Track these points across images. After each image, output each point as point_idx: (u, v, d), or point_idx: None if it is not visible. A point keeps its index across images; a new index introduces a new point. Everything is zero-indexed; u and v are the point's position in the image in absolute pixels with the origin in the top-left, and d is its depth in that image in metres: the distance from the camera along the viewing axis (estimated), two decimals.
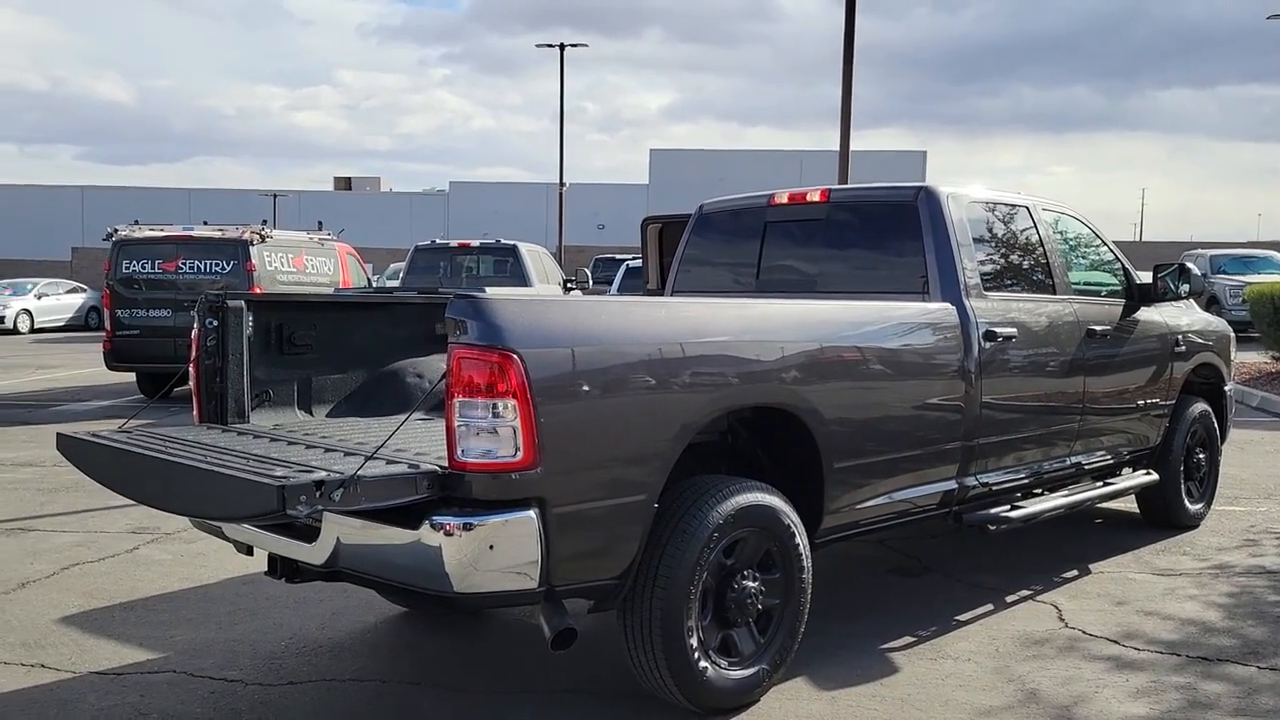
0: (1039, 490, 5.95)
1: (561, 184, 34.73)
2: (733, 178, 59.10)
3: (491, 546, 3.46)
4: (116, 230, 14.80)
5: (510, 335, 3.47)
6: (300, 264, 15.75)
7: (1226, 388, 7.50)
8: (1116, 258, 6.62)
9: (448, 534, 3.43)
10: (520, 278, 14.96)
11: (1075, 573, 6.14)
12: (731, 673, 4.14)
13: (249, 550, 4.32)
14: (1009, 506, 5.55)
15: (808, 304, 4.77)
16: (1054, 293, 5.93)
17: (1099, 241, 6.59)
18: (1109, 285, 6.54)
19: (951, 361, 5.10)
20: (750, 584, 4.18)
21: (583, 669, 4.61)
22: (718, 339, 4.14)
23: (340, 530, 3.67)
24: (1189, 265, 6.40)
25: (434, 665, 4.81)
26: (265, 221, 15.49)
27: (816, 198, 5.82)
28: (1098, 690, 4.38)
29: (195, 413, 4.71)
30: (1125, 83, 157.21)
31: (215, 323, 4.67)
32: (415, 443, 4.04)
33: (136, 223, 15.04)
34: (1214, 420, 7.33)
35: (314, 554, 3.80)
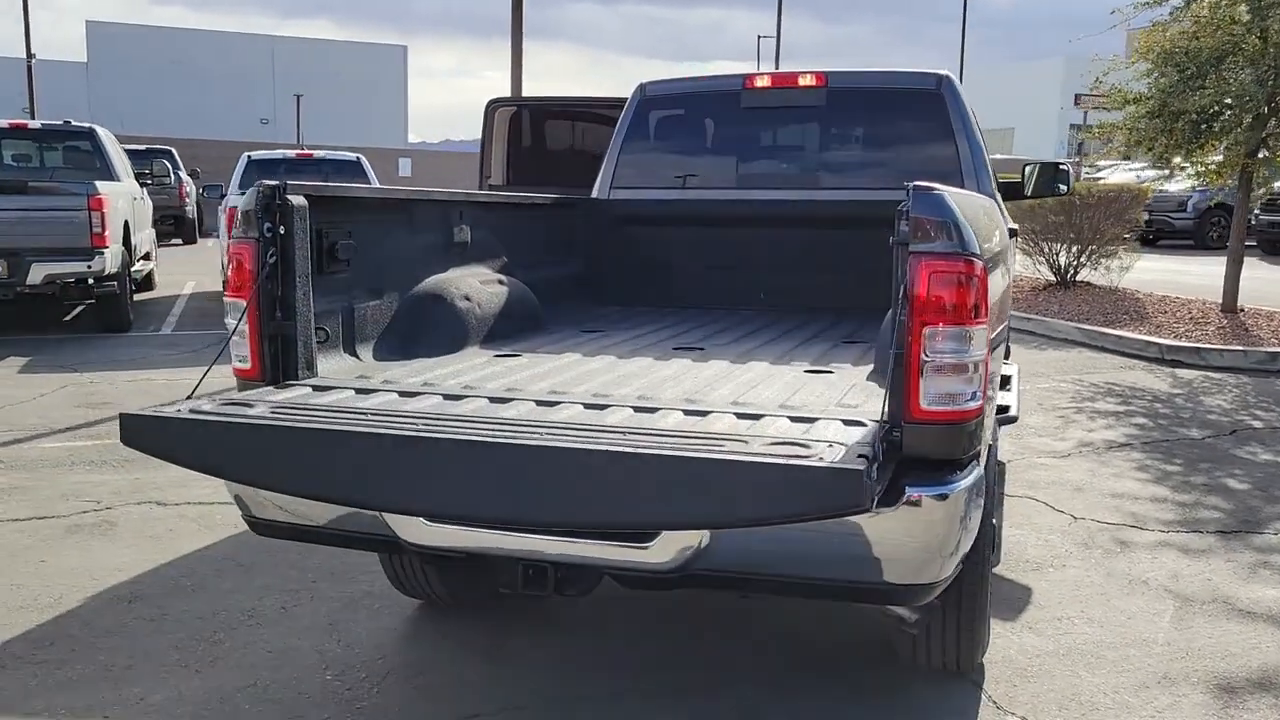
0: None
1: (30, 55, 28.63)
2: (194, 61, 53.39)
3: (963, 519, 2.66)
4: None
5: (973, 239, 2.65)
6: None
7: None
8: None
9: (912, 505, 2.58)
10: (105, 172, 12.01)
11: None
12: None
13: (460, 561, 2.94)
14: None
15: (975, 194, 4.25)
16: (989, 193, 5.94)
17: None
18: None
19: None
20: (996, 515, 3.72)
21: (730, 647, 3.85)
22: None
23: None
24: (1064, 166, 6.74)
25: (549, 670, 3.73)
26: None
27: (811, 82, 5.23)
28: (1210, 579, 4.53)
29: (249, 366, 3.10)
30: None
31: (279, 231, 3.09)
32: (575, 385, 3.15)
33: None
34: None
35: (654, 556, 2.67)
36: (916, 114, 5.11)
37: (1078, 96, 41.56)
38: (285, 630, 3.96)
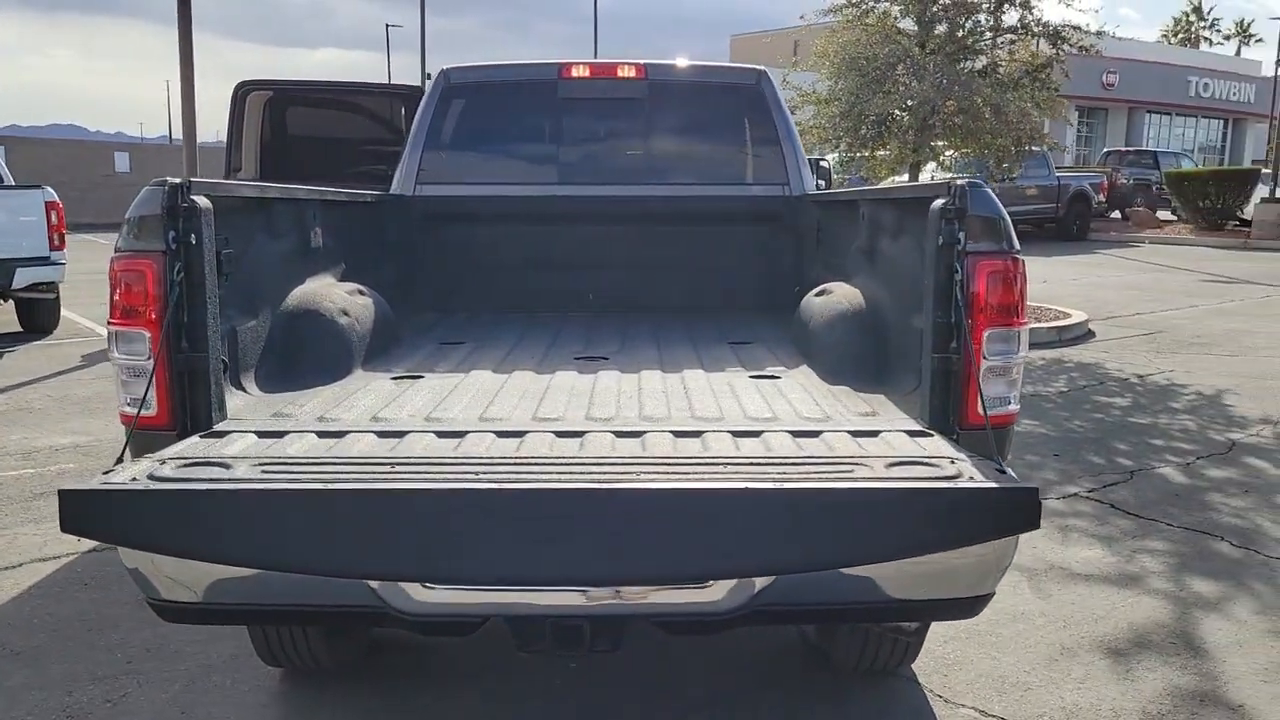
0: None
1: None
2: None
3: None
4: None
5: (1016, 236, 2.60)
6: None
7: None
8: None
9: None
10: None
11: None
12: None
13: (473, 627, 2.44)
14: None
15: None
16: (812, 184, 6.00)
17: None
18: None
19: None
20: None
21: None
22: None
23: None
24: (824, 162, 6.97)
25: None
26: None
27: (630, 73, 5.02)
28: (1035, 548, 4.84)
29: (156, 412, 2.43)
30: None
31: (189, 240, 2.46)
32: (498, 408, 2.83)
33: None
34: None
35: (713, 596, 2.38)
36: (738, 108, 5.06)
37: None
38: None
